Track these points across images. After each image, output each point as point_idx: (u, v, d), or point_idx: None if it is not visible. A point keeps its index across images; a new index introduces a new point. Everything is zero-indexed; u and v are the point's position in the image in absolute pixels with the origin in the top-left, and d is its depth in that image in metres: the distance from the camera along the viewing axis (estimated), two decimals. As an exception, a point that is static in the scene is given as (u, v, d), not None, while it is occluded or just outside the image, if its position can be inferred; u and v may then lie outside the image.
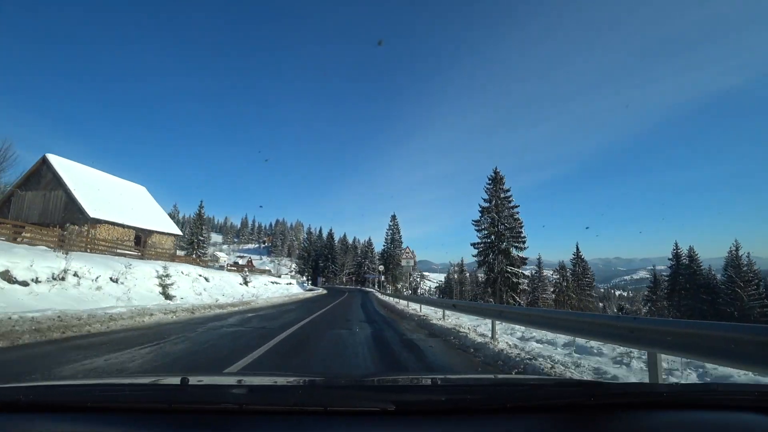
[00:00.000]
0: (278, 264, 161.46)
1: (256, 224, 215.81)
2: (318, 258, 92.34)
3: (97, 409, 1.25)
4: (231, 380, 1.85)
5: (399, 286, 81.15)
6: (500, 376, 3.36)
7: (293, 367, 5.31)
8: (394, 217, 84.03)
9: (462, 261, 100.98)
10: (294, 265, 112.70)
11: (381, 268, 75.97)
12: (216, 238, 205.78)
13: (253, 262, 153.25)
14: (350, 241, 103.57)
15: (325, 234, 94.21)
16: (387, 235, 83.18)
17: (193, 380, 1.42)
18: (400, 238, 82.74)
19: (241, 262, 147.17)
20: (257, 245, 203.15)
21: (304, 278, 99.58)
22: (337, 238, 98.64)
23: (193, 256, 58.85)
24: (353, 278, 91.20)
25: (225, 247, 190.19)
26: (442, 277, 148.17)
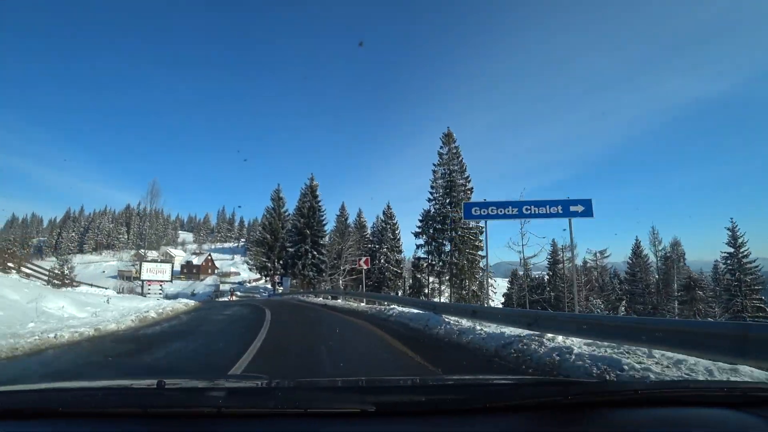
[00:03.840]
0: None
1: (237, 220, 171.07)
2: (287, 243, 45.20)
3: (70, 415, 1.20)
4: (209, 383, 1.74)
5: (465, 292, 35.19)
6: (480, 376, 3.04)
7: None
8: (448, 137, 37.27)
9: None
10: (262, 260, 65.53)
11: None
12: (185, 236, 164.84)
13: (219, 261, 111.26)
14: (352, 215, 56.39)
15: (301, 194, 45.97)
16: (437, 175, 36.55)
17: (169, 383, 1.37)
18: (467, 182, 36.13)
19: (196, 261, 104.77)
20: (236, 244, 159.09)
21: (264, 280, 53.59)
22: (331, 211, 51.49)
23: None
24: (357, 280, 44.48)
25: (193, 246, 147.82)
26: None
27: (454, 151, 36.83)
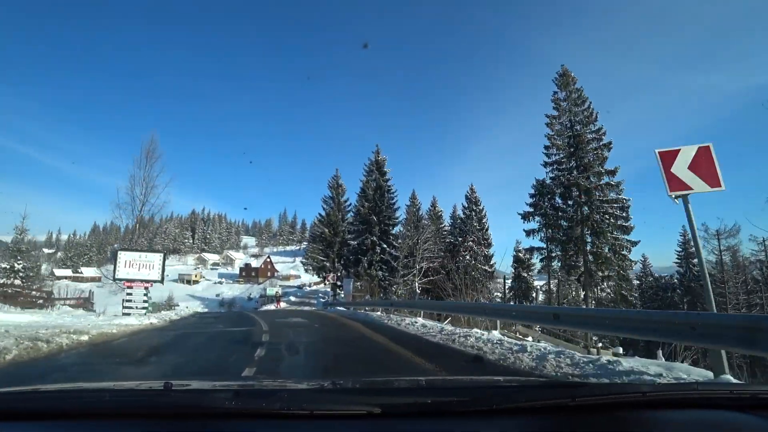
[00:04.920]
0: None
1: (299, 222, 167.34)
2: (348, 235, 36.29)
3: (76, 416, 1.20)
4: (215, 385, 1.77)
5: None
6: (485, 377, 3.25)
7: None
8: (564, 78, 26.47)
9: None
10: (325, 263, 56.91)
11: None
12: (248, 240, 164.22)
13: (279, 264, 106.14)
14: (425, 204, 46.40)
15: (365, 172, 36.39)
16: (554, 128, 25.83)
17: (176, 385, 1.38)
18: (601, 136, 25.04)
19: (254, 263, 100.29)
20: (297, 246, 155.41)
21: (324, 283, 45.38)
22: (402, 199, 41.43)
23: None
24: (434, 283, 34.34)
25: (255, 249, 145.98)
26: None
27: (576, 95, 25.95)
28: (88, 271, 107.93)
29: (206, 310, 57.43)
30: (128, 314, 13.07)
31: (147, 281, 13.86)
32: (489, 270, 40.80)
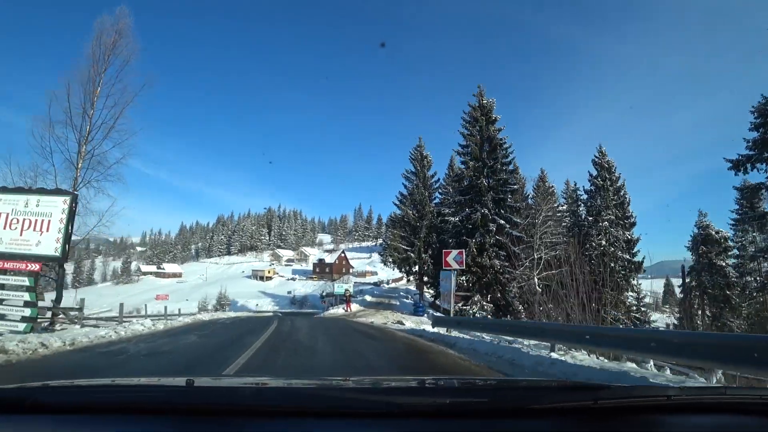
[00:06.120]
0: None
1: (374, 218, 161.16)
2: (446, 209, 27.16)
3: (101, 411, 1.23)
4: (237, 382, 1.84)
5: None
6: (504, 378, 3.22)
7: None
8: None
9: None
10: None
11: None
12: (324, 237, 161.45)
13: (355, 261, 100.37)
14: (527, 174, 35.72)
15: (465, 122, 26.77)
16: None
17: (198, 382, 1.39)
18: None
19: (328, 259, 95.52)
20: (374, 242, 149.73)
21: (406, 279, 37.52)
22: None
23: None
24: (556, 279, 24.13)
25: (330, 246, 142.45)
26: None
27: None
28: (169, 267, 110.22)
29: (276, 307, 52.00)
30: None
31: (31, 258, 5.92)
32: (632, 259, 29.80)
